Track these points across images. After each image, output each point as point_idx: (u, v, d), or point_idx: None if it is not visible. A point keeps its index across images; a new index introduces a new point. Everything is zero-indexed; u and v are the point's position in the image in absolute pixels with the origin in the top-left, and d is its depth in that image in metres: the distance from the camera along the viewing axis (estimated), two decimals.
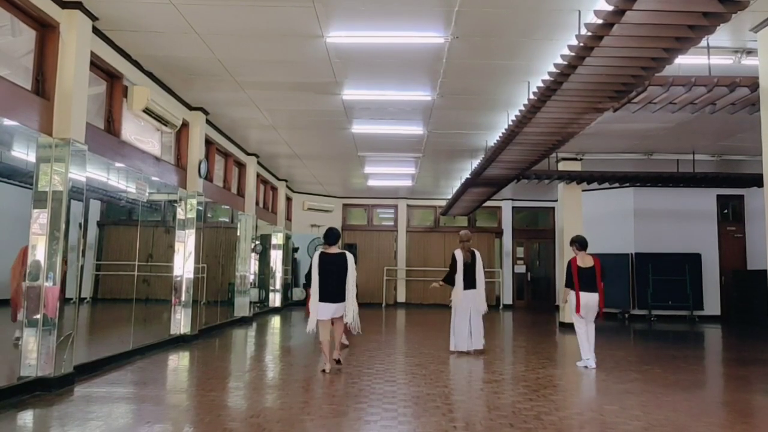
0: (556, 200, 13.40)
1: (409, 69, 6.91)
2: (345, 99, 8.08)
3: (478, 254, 8.02)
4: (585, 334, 6.91)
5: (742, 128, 8.97)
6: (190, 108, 8.71)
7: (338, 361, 6.48)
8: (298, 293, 16.37)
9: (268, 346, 8.15)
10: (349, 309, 6.36)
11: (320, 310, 6.30)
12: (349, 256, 6.46)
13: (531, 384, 5.87)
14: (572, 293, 6.91)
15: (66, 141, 5.27)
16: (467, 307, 7.80)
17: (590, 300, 6.82)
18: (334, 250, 6.50)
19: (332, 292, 6.29)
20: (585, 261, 6.94)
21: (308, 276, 7.03)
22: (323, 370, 6.22)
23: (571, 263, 7.00)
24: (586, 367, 6.78)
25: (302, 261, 16.88)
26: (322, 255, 6.43)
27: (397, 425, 4.21)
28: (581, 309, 6.84)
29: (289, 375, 6.37)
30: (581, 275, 6.85)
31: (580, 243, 7.08)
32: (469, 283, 7.84)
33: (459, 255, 7.92)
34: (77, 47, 5.42)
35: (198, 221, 8.70)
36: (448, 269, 8.07)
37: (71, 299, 5.60)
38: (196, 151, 8.84)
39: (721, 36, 5.55)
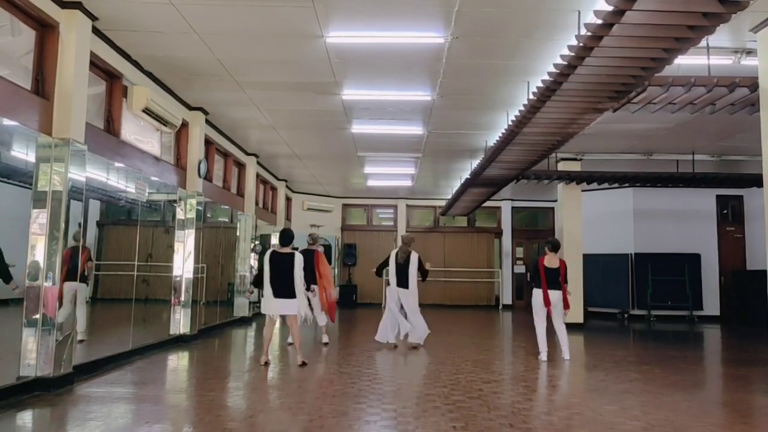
0: (556, 200, 13.40)
1: (408, 69, 6.91)
2: (345, 99, 8.08)
3: (414, 257, 8.37)
4: (544, 329, 7.38)
5: (742, 128, 8.98)
6: (190, 108, 8.70)
7: (303, 364, 6.60)
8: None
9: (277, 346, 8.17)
10: (302, 307, 6.78)
11: (267, 305, 6.70)
12: (297, 256, 6.78)
13: (531, 384, 5.88)
14: (538, 291, 7.41)
15: (65, 141, 5.26)
16: (397, 303, 8.30)
17: (555, 297, 7.29)
18: (286, 249, 6.82)
19: (278, 288, 6.64)
20: (551, 262, 7.41)
21: (258, 277, 7.21)
22: (263, 363, 6.59)
23: (539, 262, 7.49)
24: (544, 361, 7.19)
25: None
26: (273, 253, 6.82)
27: (397, 425, 4.21)
28: (549, 304, 7.34)
29: (288, 375, 6.37)
30: (547, 274, 7.34)
31: (551, 245, 7.58)
32: (401, 282, 8.30)
33: (392, 255, 8.51)
34: (77, 47, 5.41)
35: (197, 221, 8.70)
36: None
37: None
38: (195, 151, 8.83)
39: (720, 36, 5.55)
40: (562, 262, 7.45)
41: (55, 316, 5.14)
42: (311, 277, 8.05)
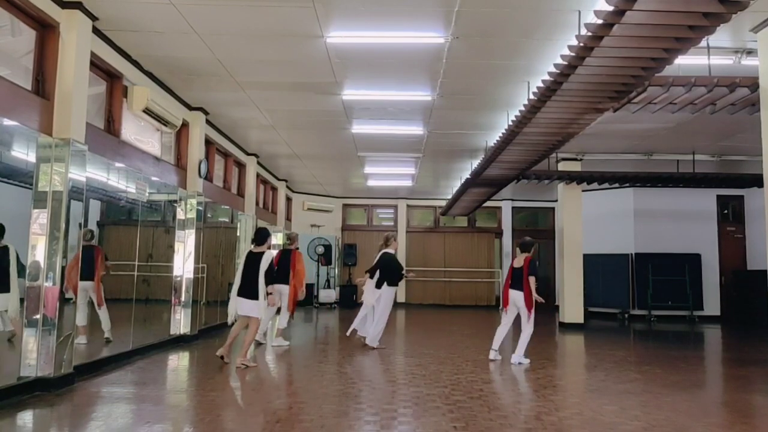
0: (556, 200, 13.40)
1: (409, 69, 6.91)
2: (345, 99, 8.08)
3: (380, 255, 8.41)
4: (505, 329, 7.34)
5: (742, 128, 8.98)
6: (190, 108, 8.70)
7: (245, 366, 6.45)
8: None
9: (267, 346, 8.16)
10: (261, 308, 6.60)
11: (236, 305, 6.63)
12: (266, 254, 6.69)
13: (531, 384, 5.88)
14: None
15: (66, 141, 5.26)
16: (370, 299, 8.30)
17: (516, 297, 7.14)
18: (260, 249, 6.78)
19: (243, 286, 6.61)
20: (518, 261, 7.30)
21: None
22: (219, 356, 6.61)
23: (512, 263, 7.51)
24: (493, 360, 7.16)
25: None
26: (249, 253, 6.81)
27: (397, 425, 4.21)
28: (509, 305, 7.22)
29: (288, 375, 6.37)
30: (513, 274, 7.26)
31: (521, 245, 7.48)
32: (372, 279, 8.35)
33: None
34: (77, 47, 5.41)
35: (198, 221, 8.70)
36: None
37: (71, 299, 5.60)
38: (195, 151, 8.83)
39: (721, 36, 5.55)
40: (527, 259, 7.15)
41: (55, 316, 5.15)
42: (285, 276, 8.03)
